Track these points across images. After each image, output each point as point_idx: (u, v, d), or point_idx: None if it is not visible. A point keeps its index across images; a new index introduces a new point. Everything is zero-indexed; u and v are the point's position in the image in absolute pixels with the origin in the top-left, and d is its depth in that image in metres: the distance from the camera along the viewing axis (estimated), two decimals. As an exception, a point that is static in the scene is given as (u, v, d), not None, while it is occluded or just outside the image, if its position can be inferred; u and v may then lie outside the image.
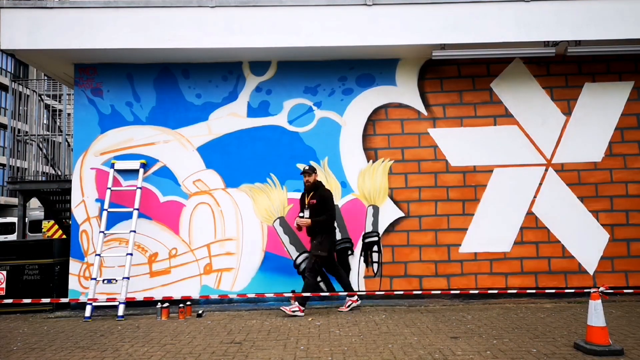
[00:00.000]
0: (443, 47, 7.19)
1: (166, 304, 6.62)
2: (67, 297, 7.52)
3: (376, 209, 7.56)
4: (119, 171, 7.52)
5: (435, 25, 7.10)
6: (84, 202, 7.52)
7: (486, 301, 7.24)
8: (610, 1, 7.09)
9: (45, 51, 7.18)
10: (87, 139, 7.61)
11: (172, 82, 7.70)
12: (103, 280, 6.89)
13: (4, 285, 7.30)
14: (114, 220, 7.45)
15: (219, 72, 7.71)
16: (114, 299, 6.75)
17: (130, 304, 6.94)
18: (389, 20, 7.11)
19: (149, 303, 7.09)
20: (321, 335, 5.43)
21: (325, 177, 7.56)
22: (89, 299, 6.66)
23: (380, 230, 7.52)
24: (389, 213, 7.55)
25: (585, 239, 7.51)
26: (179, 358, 4.66)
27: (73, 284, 7.37)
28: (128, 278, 6.81)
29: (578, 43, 7.24)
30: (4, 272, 7.34)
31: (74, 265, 7.41)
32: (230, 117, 7.67)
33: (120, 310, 6.53)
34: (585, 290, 6.61)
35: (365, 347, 4.88)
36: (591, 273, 7.46)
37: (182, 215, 7.53)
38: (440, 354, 4.59)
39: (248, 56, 7.57)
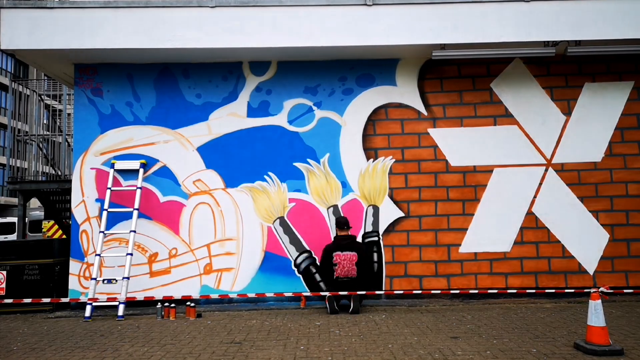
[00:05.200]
0: (443, 47, 7.19)
1: (167, 304, 6.62)
2: (67, 297, 7.54)
3: (376, 209, 7.55)
4: (119, 171, 7.52)
5: (435, 25, 7.09)
6: (84, 202, 7.51)
7: (486, 301, 7.25)
8: (610, 1, 7.08)
9: (45, 51, 7.17)
10: (87, 139, 7.60)
11: (172, 82, 7.70)
12: (103, 280, 6.89)
13: (4, 285, 7.30)
14: (114, 220, 7.44)
15: (219, 72, 7.71)
16: (114, 299, 6.75)
17: (130, 303, 6.94)
18: (389, 20, 7.10)
19: (149, 303, 7.08)
20: (321, 335, 5.43)
21: (325, 176, 7.56)
22: (89, 299, 6.66)
23: (381, 230, 7.52)
24: (389, 213, 7.54)
25: (585, 239, 7.51)
26: (179, 358, 4.66)
27: (73, 284, 7.36)
28: (128, 278, 6.81)
29: (578, 43, 7.23)
30: (4, 272, 7.33)
31: (74, 265, 7.40)
32: (230, 117, 7.67)
33: (120, 310, 6.53)
34: (585, 290, 6.63)
35: (365, 347, 4.88)
36: (591, 273, 7.46)
37: (182, 215, 7.53)
38: (440, 354, 4.59)
39: (248, 56, 7.57)
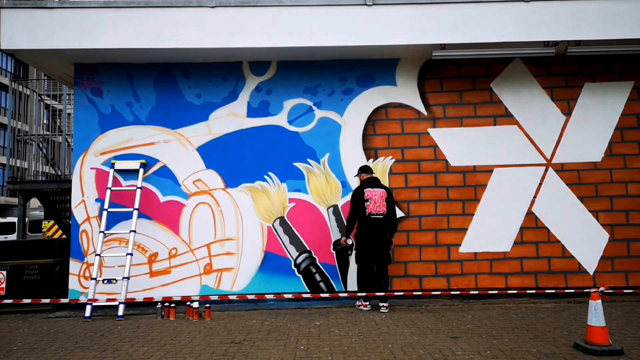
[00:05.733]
0: (443, 47, 7.19)
1: (167, 304, 6.62)
2: (67, 296, 7.55)
3: (376, 209, 7.54)
4: (119, 171, 7.51)
5: (436, 25, 7.09)
6: (84, 202, 7.51)
7: (486, 301, 7.24)
8: (610, 1, 7.08)
9: (45, 51, 7.17)
10: (87, 139, 7.60)
11: (172, 82, 7.70)
12: (103, 280, 6.89)
13: (4, 285, 7.30)
14: (114, 220, 7.44)
15: (219, 72, 7.71)
16: (114, 299, 6.76)
17: (130, 304, 6.93)
18: (389, 20, 7.10)
19: (149, 303, 7.06)
20: (321, 335, 5.43)
21: (325, 176, 7.56)
22: (88, 300, 6.66)
23: (380, 230, 7.51)
24: (389, 213, 7.54)
25: (585, 239, 7.51)
26: (179, 358, 4.66)
27: (73, 284, 7.36)
28: (128, 278, 6.81)
29: (578, 43, 7.23)
30: (4, 272, 7.33)
31: (74, 265, 7.40)
32: (230, 117, 7.67)
33: (120, 310, 6.52)
34: (585, 290, 6.61)
35: (365, 347, 4.88)
36: (591, 273, 7.46)
37: (182, 215, 7.53)
38: (440, 354, 4.60)
39: (248, 56, 7.57)
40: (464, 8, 7.12)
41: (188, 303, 6.67)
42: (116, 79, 7.69)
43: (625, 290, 6.98)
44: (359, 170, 7.18)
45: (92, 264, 7.22)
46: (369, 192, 6.84)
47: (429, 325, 5.82)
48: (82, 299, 7.01)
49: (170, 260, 7.45)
